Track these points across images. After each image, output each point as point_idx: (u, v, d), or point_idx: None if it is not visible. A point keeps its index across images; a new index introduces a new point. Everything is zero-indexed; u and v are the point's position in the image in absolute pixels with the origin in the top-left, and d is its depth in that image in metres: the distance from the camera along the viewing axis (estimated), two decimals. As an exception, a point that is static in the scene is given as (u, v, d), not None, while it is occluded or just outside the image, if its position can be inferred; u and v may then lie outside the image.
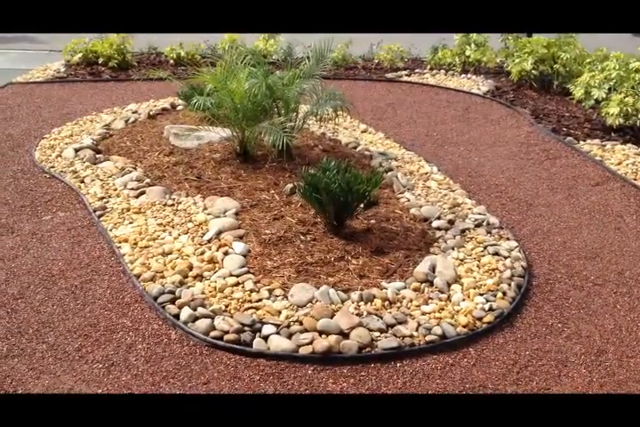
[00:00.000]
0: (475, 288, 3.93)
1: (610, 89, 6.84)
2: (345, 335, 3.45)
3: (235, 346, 3.38)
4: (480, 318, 3.69)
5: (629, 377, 3.32)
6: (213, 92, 5.48)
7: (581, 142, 6.34)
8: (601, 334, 3.65)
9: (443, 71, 8.72)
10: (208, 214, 4.56)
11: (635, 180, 5.55)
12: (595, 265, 4.32)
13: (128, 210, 4.68)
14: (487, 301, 3.82)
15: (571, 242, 4.61)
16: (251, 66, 5.79)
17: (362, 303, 3.72)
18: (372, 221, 4.61)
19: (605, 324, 3.73)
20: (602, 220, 4.93)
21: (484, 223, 4.71)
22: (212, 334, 3.44)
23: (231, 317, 3.54)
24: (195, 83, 6.02)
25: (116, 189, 5.00)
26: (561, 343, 3.56)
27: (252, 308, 3.63)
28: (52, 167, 5.52)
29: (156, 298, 3.71)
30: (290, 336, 3.44)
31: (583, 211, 5.07)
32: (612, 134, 6.49)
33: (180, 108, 6.92)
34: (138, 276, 3.92)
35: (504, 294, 3.91)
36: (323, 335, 3.45)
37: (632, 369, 3.37)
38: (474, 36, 8.88)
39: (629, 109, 6.37)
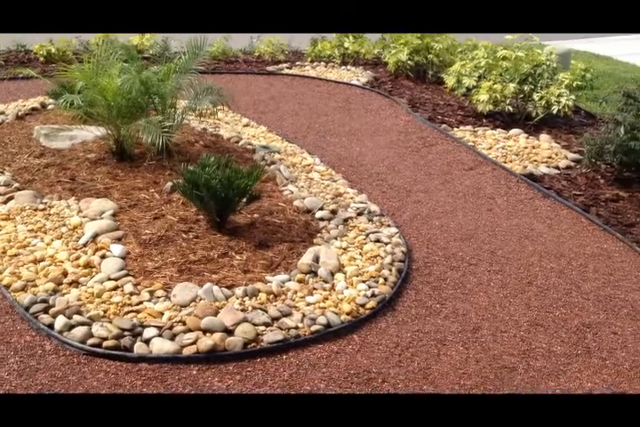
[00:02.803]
0: (357, 276, 4.01)
1: (479, 77, 7.16)
2: (230, 332, 3.43)
3: (114, 352, 3.27)
4: (363, 305, 3.77)
5: (503, 351, 3.50)
6: (84, 90, 5.25)
7: (455, 129, 6.60)
8: (476, 311, 3.83)
9: (323, 63, 8.81)
10: (83, 217, 4.37)
11: (504, 163, 5.85)
12: (469, 246, 4.52)
13: (-5, 217, 4.41)
14: (369, 287, 3.91)
15: (447, 225, 4.80)
16: (123, 61, 5.61)
17: (246, 298, 3.71)
18: (256, 216, 4.59)
19: (480, 301, 3.92)
20: (475, 202, 5.17)
21: (366, 211, 4.81)
22: (90, 341, 3.31)
23: (110, 322, 3.42)
24: (65, 80, 5.75)
25: (-19, 196, 4.69)
26: (439, 323, 3.70)
27: (132, 311, 3.53)
28: None
29: (27, 308, 3.52)
30: (173, 338, 3.38)
31: (458, 195, 5.29)
32: (484, 120, 6.81)
33: (51, 107, 6.58)
34: (7, 286, 3.70)
35: (385, 279, 4.02)
36: (207, 334, 3.41)
37: (505, 343, 3.56)
38: (351, 27, 9.01)
39: (498, 96, 6.68)
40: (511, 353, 3.48)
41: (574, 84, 6.73)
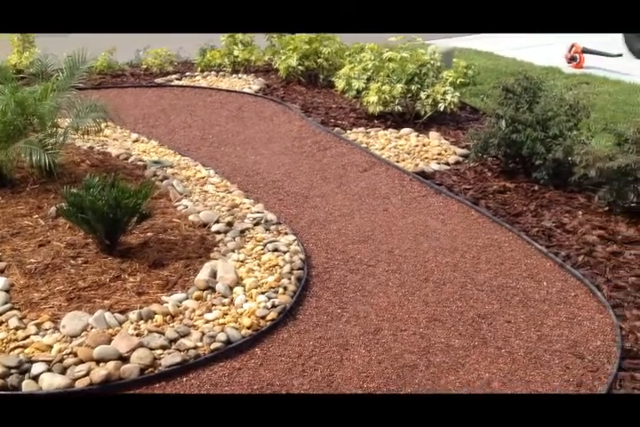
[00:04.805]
0: (257, 288, 3.96)
1: (368, 79, 7.25)
2: (125, 359, 3.30)
3: (1, 393, 3.08)
4: (264, 317, 3.72)
5: (404, 350, 3.54)
6: (-45, 116, 4.97)
7: (348, 131, 6.67)
8: (376, 312, 3.86)
9: (214, 73, 8.70)
10: (-39, 251, 4.11)
11: (397, 162, 5.96)
12: (367, 247, 4.57)
13: None
14: (269, 298, 3.87)
15: (345, 228, 4.83)
16: (-4, 83, 5.37)
17: (142, 322, 3.58)
18: (149, 234, 4.47)
19: (380, 302, 3.96)
20: (371, 203, 5.23)
21: (263, 221, 4.77)
22: (-27, 384, 3.10)
23: (-6, 361, 3.22)
24: None
25: None
26: (341, 328, 3.71)
27: (18, 347, 3.34)
28: None
29: None
30: (64, 371, 3.21)
31: (354, 197, 5.34)
32: (375, 121, 6.92)
33: None
34: None
35: (285, 289, 3.98)
36: (101, 364, 3.26)
37: (406, 342, 3.61)
38: (240, 35, 8.96)
39: (387, 97, 6.81)
40: (412, 351, 3.53)
41: (458, 82, 6.94)
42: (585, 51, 9.88)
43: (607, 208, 5.03)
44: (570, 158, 5.30)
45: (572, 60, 9.93)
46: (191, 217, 4.74)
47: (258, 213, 4.91)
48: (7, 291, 3.76)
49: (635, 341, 3.63)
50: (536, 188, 5.39)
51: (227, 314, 3.73)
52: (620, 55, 10.04)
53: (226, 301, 3.84)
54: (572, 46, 9.97)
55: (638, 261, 4.39)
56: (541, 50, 10.85)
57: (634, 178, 4.83)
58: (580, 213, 5.01)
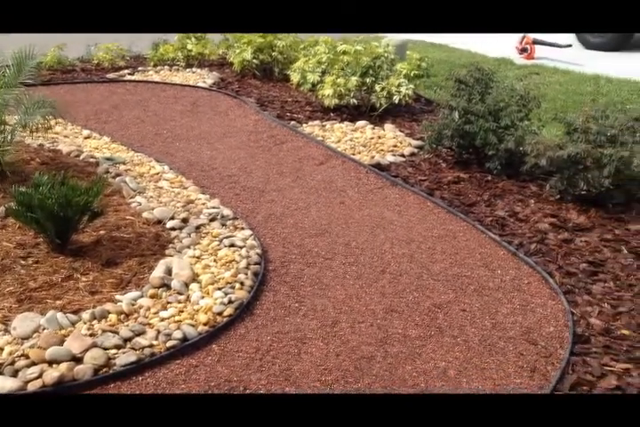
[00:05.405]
0: (213, 284, 3.93)
1: (323, 72, 7.25)
2: (78, 360, 3.24)
3: (-52, 399, 2.99)
4: (220, 313, 3.69)
5: (362, 342, 3.56)
6: None
7: (304, 125, 6.66)
8: (334, 305, 3.87)
9: (167, 67, 8.59)
10: None
11: (353, 155, 5.97)
12: (324, 240, 4.57)
13: None
14: (226, 294, 3.84)
15: (302, 222, 4.82)
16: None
17: (95, 322, 3.52)
18: (102, 232, 4.39)
19: (337, 295, 3.96)
20: (328, 197, 5.23)
21: (219, 216, 4.73)
22: None
23: (-59, 367, 3.13)
24: None
25: None
26: (299, 322, 3.70)
27: (-33, 351, 3.25)
28: None
29: None
30: (15, 374, 3.14)
31: (311, 190, 5.33)
32: (331, 114, 6.92)
33: None
34: None
35: (242, 284, 3.96)
36: (53, 365, 3.20)
37: (363, 333, 3.62)
38: (192, 29, 8.85)
39: (342, 90, 6.81)
40: (369, 343, 3.55)
41: (412, 74, 6.99)
42: (536, 42, 10.05)
43: (558, 196, 5.14)
44: (521, 148, 5.39)
45: (523, 51, 10.09)
46: (145, 214, 4.67)
47: (214, 208, 4.86)
48: (-46, 294, 3.65)
49: (586, 326, 3.72)
50: (489, 178, 5.46)
51: (182, 311, 3.69)
52: (570, 46, 10.25)
53: (182, 298, 3.80)
54: (524, 38, 10.13)
55: (589, 247, 4.50)
56: (494, 41, 10.98)
57: (583, 166, 4.94)
58: (532, 201, 5.11)
